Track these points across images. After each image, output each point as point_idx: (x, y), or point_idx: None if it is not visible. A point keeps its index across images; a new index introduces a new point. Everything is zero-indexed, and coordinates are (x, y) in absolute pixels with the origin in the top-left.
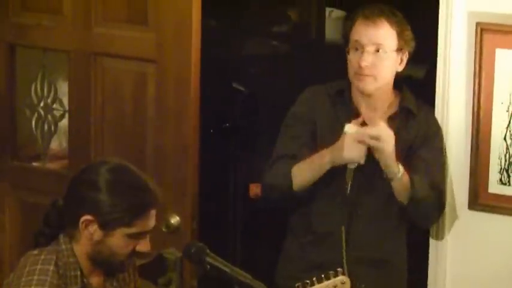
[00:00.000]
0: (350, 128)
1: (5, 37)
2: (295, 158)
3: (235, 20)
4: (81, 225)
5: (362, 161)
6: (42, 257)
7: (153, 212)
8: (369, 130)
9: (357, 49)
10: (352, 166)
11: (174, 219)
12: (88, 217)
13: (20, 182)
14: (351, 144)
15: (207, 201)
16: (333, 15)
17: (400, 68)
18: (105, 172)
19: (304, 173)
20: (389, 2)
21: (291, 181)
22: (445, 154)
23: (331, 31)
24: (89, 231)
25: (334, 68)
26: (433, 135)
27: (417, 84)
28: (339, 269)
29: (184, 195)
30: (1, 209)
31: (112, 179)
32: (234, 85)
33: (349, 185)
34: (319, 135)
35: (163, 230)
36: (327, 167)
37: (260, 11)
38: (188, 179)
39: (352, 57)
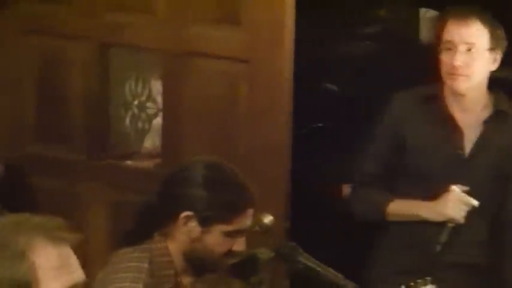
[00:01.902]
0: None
1: (99, 37)
2: (380, 180)
3: (327, 20)
4: (180, 221)
5: (462, 221)
6: (136, 254)
7: (250, 211)
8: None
9: (449, 49)
10: (451, 224)
11: (267, 219)
12: (188, 213)
13: (114, 180)
14: (456, 202)
15: (298, 201)
16: (428, 15)
17: (493, 68)
18: (204, 169)
19: (397, 214)
20: (479, 1)
21: (383, 214)
22: None
23: (426, 31)
24: (188, 227)
25: (428, 68)
26: None
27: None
28: (427, 278)
29: (277, 194)
30: (94, 207)
31: (210, 175)
32: (326, 85)
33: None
34: (410, 147)
35: (256, 229)
36: (423, 218)
37: (352, 11)
38: (280, 179)
39: (444, 57)
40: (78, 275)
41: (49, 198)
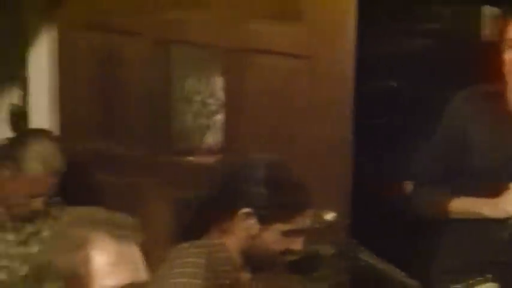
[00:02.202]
0: None
1: (159, 33)
2: (441, 178)
3: (389, 16)
4: (239, 218)
5: None
6: (194, 250)
7: (308, 211)
8: None
9: None
10: None
11: (329, 215)
12: (247, 210)
13: (175, 177)
14: None
15: (359, 198)
16: (490, 12)
17: None
18: (265, 168)
19: (458, 212)
20: None
21: (444, 212)
22: None
23: (488, 29)
24: (246, 224)
25: (490, 67)
26: None
27: None
28: (488, 276)
29: (339, 191)
30: (155, 204)
31: (272, 175)
32: (387, 82)
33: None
34: (471, 145)
35: (317, 226)
36: (484, 216)
37: (414, 8)
38: (342, 176)
39: (508, 55)
40: (140, 274)
41: (110, 194)
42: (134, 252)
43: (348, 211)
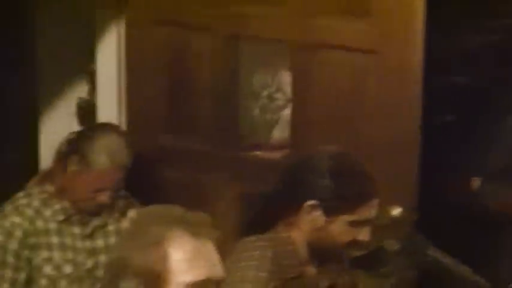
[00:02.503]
0: None
1: (227, 28)
2: (510, 173)
3: (457, 11)
4: (305, 210)
5: None
6: (260, 243)
7: (375, 201)
8: None
9: None
10: None
11: (395, 211)
12: (312, 202)
13: (242, 171)
14: None
15: (426, 194)
16: None
17: None
18: (330, 159)
19: None
20: None
21: None
22: None
23: None
24: (312, 216)
25: None
26: None
27: None
28: None
29: (406, 187)
30: (223, 198)
31: (337, 166)
32: (454, 78)
33: None
34: None
35: (384, 221)
36: None
37: (483, 3)
38: (409, 171)
39: None
40: (216, 270)
41: (177, 189)
42: (210, 249)
43: (415, 207)
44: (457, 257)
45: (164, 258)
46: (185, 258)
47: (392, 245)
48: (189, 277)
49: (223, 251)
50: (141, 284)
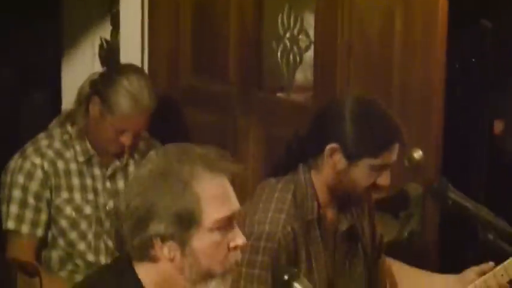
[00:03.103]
0: None
1: None
2: None
3: None
4: (326, 153)
5: None
6: (280, 185)
7: (397, 146)
8: None
9: None
10: None
11: (418, 154)
12: (334, 145)
13: (265, 113)
14: None
15: (450, 137)
16: None
17: None
18: (354, 103)
19: None
20: None
21: None
22: None
23: None
24: (333, 160)
25: None
26: None
27: None
28: None
29: (429, 130)
30: (246, 140)
31: (360, 110)
32: (482, 21)
33: None
34: None
35: (406, 164)
36: None
37: None
38: (433, 114)
39: None
40: (235, 204)
41: (201, 131)
42: (228, 184)
43: (438, 150)
44: (479, 201)
45: (195, 198)
46: (212, 195)
47: (414, 188)
48: (219, 214)
49: (242, 191)
50: (173, 225)
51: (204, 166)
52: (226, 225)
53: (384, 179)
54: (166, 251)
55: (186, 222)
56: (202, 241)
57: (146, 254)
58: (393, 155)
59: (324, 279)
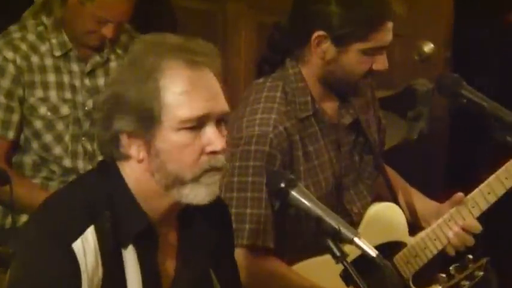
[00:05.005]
0: None
1: None
2: None
3: None
4: (312, 43)
5: None
6: (268, 84)
7: (390, 25)
8: None
9: None
10: None
11: (427, 47)
12: (320, 33)
13: (256, 1)
14: None
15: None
16: None
17: None
18: None
19: None
20: None
21: None
22: None
23: None
24: (322, 48)
25: None
26: None
27: None
28: None
29: (438, 20)
30: (237, 31)
31: None
32: None
33: None
34: None
35: (415, 58)
36: None
37: None
38: (443, 4)
39: None
40: (217, 104)
41: (188, 20)
42: (210, 81)
43: (449, 43)
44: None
45: (156, 90)
46: (181, 91)
47: (422, 84)
48: (185, 112)
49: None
50: (135, 121)
51: (177, 58)
52: (196, 126)
53: (380, 63)
54: (134, 149)
55: (147, 118)
56: (165, 142)
57: (117, 152)
58: (386, 36)
59: (329, 178)
